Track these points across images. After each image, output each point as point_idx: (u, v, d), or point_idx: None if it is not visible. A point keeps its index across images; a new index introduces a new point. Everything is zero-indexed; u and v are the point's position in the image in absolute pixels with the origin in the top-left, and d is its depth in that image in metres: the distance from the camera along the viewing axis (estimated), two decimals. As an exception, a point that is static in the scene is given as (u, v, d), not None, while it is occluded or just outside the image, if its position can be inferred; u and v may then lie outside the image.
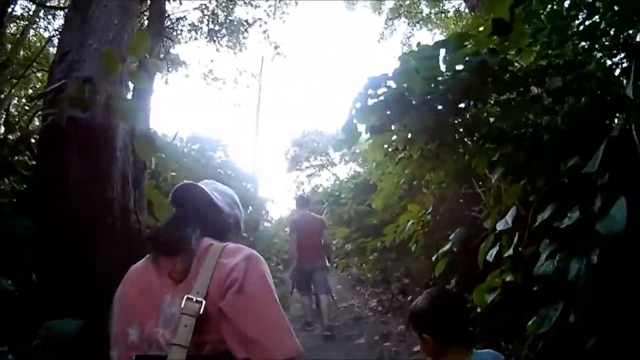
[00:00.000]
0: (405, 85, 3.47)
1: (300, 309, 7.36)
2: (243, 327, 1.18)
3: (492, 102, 3.74)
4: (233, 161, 11.80)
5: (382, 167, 7.33)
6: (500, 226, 3.07)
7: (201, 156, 10.72)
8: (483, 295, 3.13)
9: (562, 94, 2.95)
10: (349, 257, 11.44)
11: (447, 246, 3.95)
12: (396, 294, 7.99)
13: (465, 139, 3.95)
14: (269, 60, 17.72)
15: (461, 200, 4.68)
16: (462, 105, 3.61)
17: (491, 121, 3.70)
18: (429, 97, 3.54)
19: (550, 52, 3.34)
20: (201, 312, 1.17)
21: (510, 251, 2.99)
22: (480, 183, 4.21)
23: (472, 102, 3.61)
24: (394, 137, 5.47)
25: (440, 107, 3.80)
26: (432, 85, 3.41)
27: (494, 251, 3.18)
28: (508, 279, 2.98)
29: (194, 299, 1.19)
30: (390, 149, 6.37)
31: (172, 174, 5.78)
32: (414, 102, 3.61)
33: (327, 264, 7.05)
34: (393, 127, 3.95)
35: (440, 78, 3.40)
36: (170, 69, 13.94)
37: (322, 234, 6.96)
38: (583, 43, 3.24)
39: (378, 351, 5.40)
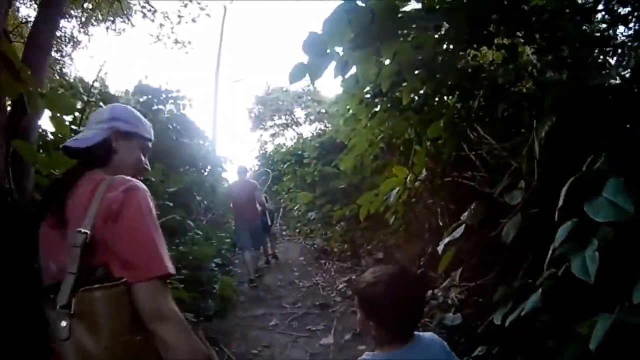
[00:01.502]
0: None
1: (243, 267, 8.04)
2: (120, 250, 1.31)
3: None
4: (185, 115, 10.25)
5: (351, 122, 6.63)
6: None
7: (148, 110, 9.26)
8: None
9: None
10: (312, 226, 10.26)
11: (459, 231, 2.73)
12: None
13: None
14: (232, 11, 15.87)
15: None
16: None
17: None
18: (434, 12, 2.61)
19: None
20: (87, 241, 1.28)
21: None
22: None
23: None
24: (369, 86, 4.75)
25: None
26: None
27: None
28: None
29: (82, 231, 1.28)
30: (366, 95, 5.24)
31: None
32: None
33: (268, 222, 8.54)
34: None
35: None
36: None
37: (255, 197, 7.81)
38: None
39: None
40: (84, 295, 1.25)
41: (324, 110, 26.82)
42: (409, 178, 3.88)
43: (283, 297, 6.68)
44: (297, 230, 11.48)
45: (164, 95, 10.03)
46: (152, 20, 12.52)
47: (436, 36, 3.08)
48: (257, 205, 7.88)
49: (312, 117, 28.55)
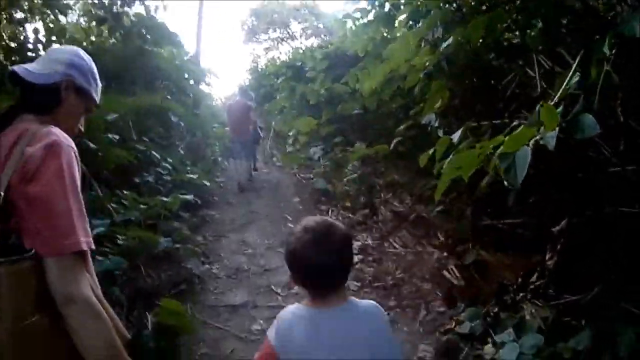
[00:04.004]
0: None
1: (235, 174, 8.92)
2: (31, 217, 1.17)
3: None
4: (155, 18, 7.96)
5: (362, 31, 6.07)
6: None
7: (107, 13, 7.14)
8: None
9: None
10: (317, 168, 7.92)
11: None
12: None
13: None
14: None
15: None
16: None
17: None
18: None
19: None
20: (0, 203, 1.16)
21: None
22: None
23: None
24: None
25: None
26: None
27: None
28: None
29: None
30: None
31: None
32: None
33: (259, 135, 9.60)
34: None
35: None
36: None
37: (249, 115, 8.67)
38: None
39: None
40: None
41: (321, 25, 25.55)
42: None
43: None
44: (295, 170, 9.37)
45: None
46: None
47: None
48: (250, 122, 8.75)
49: (309, 32, 28.16)
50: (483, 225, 3.82)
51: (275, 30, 28.99)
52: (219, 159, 11.22)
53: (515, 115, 3.30)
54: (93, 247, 1.26)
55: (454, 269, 3.89)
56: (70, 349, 1.18)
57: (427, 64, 4.22)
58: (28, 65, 1.41)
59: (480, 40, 3.47)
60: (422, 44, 4.56)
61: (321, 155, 6.88)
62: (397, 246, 4.94)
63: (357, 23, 6.64)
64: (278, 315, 1.47)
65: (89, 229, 1.25)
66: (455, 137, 3.02)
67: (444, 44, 3.66)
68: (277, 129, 11.37)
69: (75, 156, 1.28)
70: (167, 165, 6.62)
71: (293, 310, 1.47)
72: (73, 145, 1.28)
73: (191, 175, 6.25)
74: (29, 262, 1.15)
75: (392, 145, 4.73)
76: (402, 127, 4.84)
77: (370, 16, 6.08)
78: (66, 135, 1.29)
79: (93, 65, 1.51)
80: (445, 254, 4.18)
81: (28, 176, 1.17)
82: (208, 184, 6.53)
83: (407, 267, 4.35)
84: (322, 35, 23.48)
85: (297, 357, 1.38)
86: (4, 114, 1.35)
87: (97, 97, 1.54)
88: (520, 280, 3.19)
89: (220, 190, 8.79)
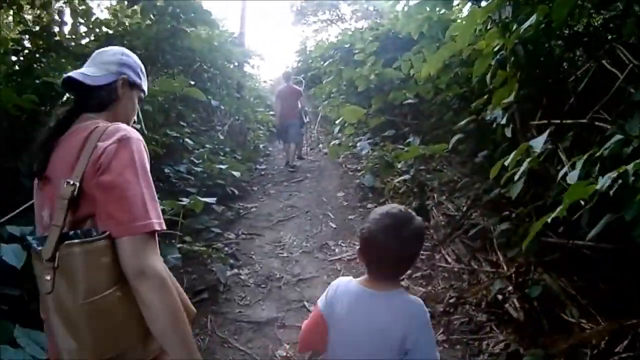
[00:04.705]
0: None
1: (283, 156, 9.44)
2: (105, 204, 1.25)
3: None
4: None
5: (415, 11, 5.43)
6: None
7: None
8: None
9: None
10: (367, 162, 6.88)
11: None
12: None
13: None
14: None
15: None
16: None
17: None
18: None
19: None
20: (75, 194, 1.25)
21: None
22: None
23: None
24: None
25: None
26: None
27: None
28: None
29: (71, 182, 1.25)
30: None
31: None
32: None
33: (305, 120, 9.64)
34: None
35: None
36: None
37: (299, 100, 9.22)
38: None
39: None
40: (66, 250, 1.23)
41: (372, 8, 24.88)
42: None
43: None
44: (341, 160, 8.61)
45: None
46: None
47: None
48: (299, 107, 9.24)
49: (359, 14, 27.02)
50: (554, 245, 3.17)
51: (324, 13, 28.14)
52: (262, 145, 10.84)
53: (593, 115, 2.92)
54: (164, 227, 1.32)
55: (515, 301, 3.24)
56: (139, 321, 1.25)
57: (495, 48, 3.55)
58: (83, 70, 1.51)
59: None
60: (489, 25, 3.90)
61: (368, 151, 6.08)
62: (449, 260, 4.31)
63: (409, 2, 5.94)
64: (331, 283, 1.60)
65: (160, 212, 1.32)
66: (537, 144, 2.38)
67: (525, 25, 2.98)
68: (324, 114, 10.74)
69: (144, 147, 1.36)
70: (203, 152, 6.18)
71: (345, 282, 1.57)
72: (141, 138, 1.36)
73: (220, 166, 5.72)
74: (103, 242, 1.23)
75: (450, 144, 4.05)
76: (462, 122, 4.15)
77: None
78: (134, 129, 1.38)
79: (138, 59, 1.64)
80: (504, 277, 3.50)
81: (102, 168, 1.25)
82: (238, 174, 5.97)
83: (459, 290, 3.72)
84: (373, 19, 22.73)
85: (337, 327, 1.51)
86: (66, 116, 1.46)
87: (146, 86, 1.68)
88: (603, 344, 2.50)
89: (261, 178, 8.33)
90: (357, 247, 1.53)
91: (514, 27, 3.23)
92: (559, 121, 3.09)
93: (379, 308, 1.45)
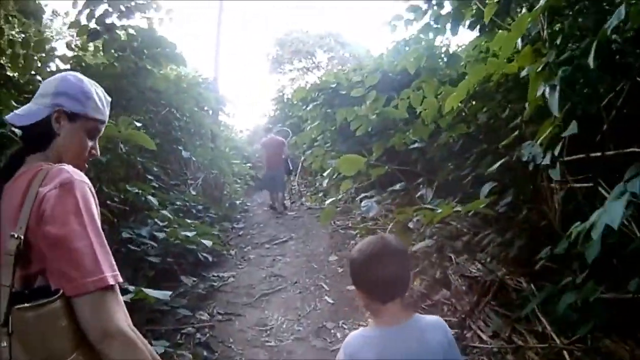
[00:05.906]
0: None
1: (268, 200, 10.18)
2: (53, 259, 1.17)
3: None
4: (154, 30, 6.37)
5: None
6: None
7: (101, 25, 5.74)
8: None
9: None
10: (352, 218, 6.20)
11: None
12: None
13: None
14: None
15: None
16: None
17: None
18: None
19: None
20: (20, 248, 1.16)
21: None
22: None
23: None
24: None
25: None
26: None
27: None
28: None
29: (15, 236, 1.16)
30: None
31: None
32: None
33: (290, 169, 10.80)
34: None
35: None
36: None
37: (282, 150, 10.05)
38: None
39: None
40: (18, 315, 1.12)
41: (348, 55, 25.04)
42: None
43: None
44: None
45: (129, 3, 6.30)
46: None
47: None
48: (283, 157, 9.91)
49: (334, 62, 27.59)
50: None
51: (300, 60, 28.51)
52: (239, 201, 10.27)
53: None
54: (120, 280, 1.22)
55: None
56: None
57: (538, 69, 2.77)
58: (20, 110, 1.39)
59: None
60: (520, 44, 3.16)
61: (376, 211, 4.88)
62: (483, 337, 3.37)
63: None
64: (345, 340, 1.50)
65: (113, 262, 1.22)
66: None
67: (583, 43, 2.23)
68: (306, 165, 9.98)
69: (90, 190, 1.26)
70: (166, 214, 5.16)
71: (360, 333, 1.51)
72: (86, 180, 1.26)
73: (187, 234, 4.71)
74: (57, 303, 1.12)
75: (482, 195, 3.15)
76: (494, 166, 3.29)
77: (426, 18, 4.62)
78: (78, 171, 1.27)
79: (85, 83, 1.42)
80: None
81: (45, 217, 1.16)
82: (210, 244, 4.95)
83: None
84: (349, 65, 22.91)
85: None
86: (12, 157, 1.36)
87: (101, 112, 1.45)
88: None
89: (239, 239, 7.33)
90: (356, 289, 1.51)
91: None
92: (600, 153, 2.71)
93: (406, 342, 1.40)
